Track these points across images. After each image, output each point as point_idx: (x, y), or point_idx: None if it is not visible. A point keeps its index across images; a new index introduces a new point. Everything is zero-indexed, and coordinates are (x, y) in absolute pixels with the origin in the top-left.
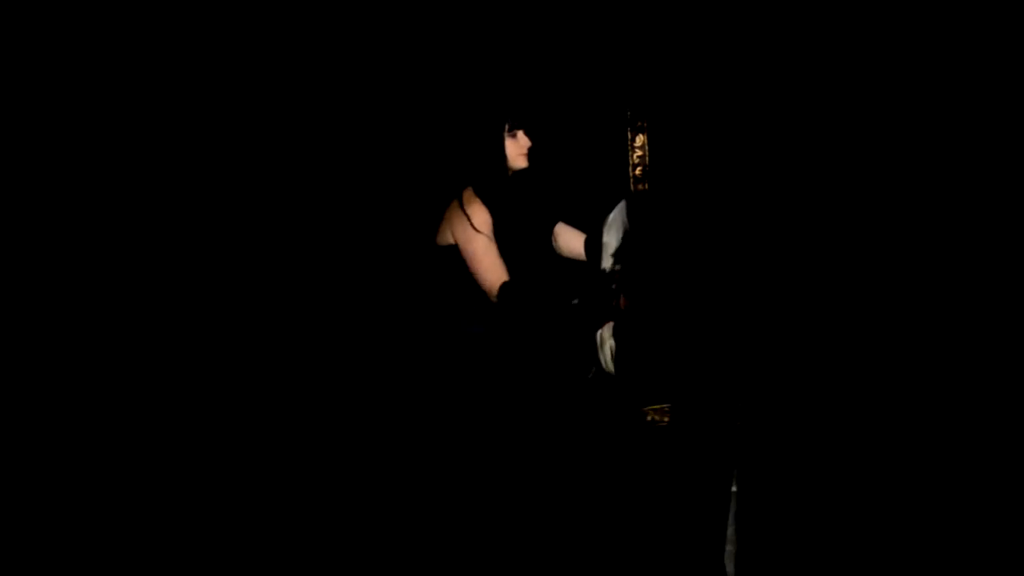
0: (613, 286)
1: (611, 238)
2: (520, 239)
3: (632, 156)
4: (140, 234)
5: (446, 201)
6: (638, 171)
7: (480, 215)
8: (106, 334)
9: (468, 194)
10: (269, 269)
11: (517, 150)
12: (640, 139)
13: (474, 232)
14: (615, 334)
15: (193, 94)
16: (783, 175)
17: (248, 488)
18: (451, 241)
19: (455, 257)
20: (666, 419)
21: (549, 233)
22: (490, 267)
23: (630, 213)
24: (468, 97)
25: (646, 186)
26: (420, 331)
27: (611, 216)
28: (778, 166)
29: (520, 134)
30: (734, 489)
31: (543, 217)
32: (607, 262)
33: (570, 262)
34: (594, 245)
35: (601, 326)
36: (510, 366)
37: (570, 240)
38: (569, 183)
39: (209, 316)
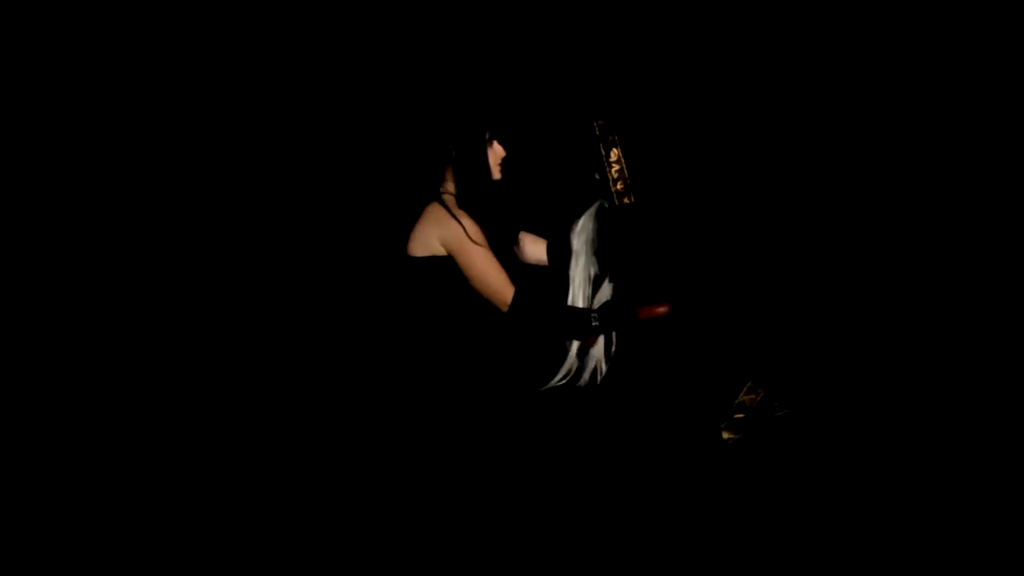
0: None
1: (580, 244)
2: (497, 249)
3: (611, 172)
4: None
5: (417, 210)
6: (620, 185)
7: (473, 225)
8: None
9: (451, 203)
10: (243, 271)
11: (493, 160)
12: (615, 153)
13: (473, 244)
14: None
15: (151, 94)
16: (763, 178)
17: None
18: (434, 252)
19: (435, 267)
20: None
21: (513, 242)
22: (498, 278)
23: (603, 222)
24: (450, 107)
25: (632, 199)
26: (406, 339)
27: (579, 222)
28: (757, 169)
29: (496, 144)
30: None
31: (509, 226)
32: (577, 269)
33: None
34: (558, 250)
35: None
36: (506, 370)
37: (532, 247)
38: (530, 190)
39: (187, 320)
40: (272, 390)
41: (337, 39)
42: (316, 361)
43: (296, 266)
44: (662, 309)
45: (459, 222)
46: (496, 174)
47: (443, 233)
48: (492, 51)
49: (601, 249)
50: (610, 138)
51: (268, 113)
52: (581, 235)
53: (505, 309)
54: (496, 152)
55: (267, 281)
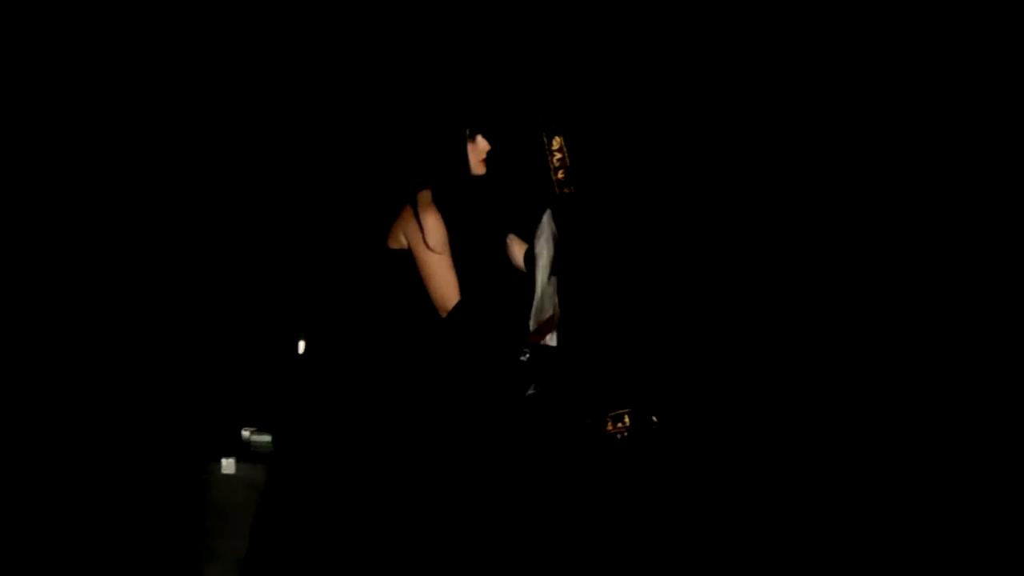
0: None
1: (542, 247)
2: (474, 249)
3: (552, 160)
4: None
5: (400, 203)
6: (560, 174)
7: (435, 227)
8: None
9: (424, 199)
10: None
11: (476, 156)
12: (557, 141)
13: (427, 248)
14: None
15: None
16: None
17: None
18: (402, 246)
19: (407, 261)
20: (625, 425)
21: (503, 243)
22: (444, 283)
23: (556, 219)
24: (431, 100)
25: (571, 189)
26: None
27: (541, 225)
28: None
29: (479, 139)
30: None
31: (497, 227)
32: (541, 273)
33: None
34: (529, 256)
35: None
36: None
37: (516, 253)
38: (522, 192)
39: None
40: (248, 379)
41: (325, 33)
42: (292, 350)
43: (284, 253)
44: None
45: (420, 223)
46: (480, 169)
47: (405, 228)
48: (473, 45)
49: (559, 247)
50: (552, 126)
51: (255, 108)
52: (540, 236)
53: (443, 315)
54: (479, 147)
55: (254, 274)
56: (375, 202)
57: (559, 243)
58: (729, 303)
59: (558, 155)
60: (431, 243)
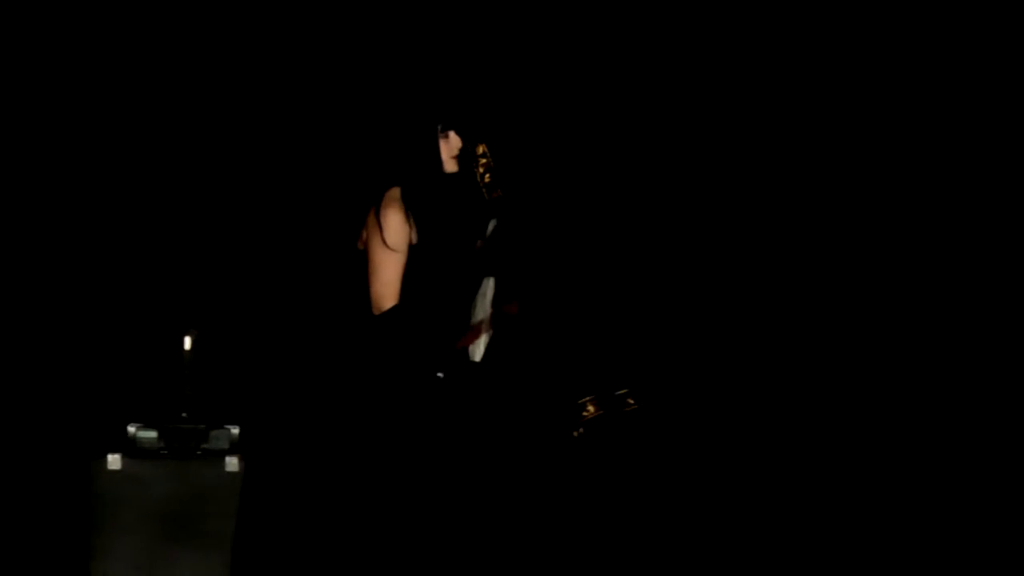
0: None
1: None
2: (441, 250)
3: (478, 167)
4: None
5: (371, 203)
6: (487, 178)
7: (395, 224)
8: None
9: (389, 198)
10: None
11: (448, 152)
12: (480, 148)
13: (383, 244)
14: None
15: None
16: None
17: None
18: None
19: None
20: (591, 413)
21: (472, 245)
22: (385, 282)
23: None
24: (401, 97)
25: (499, 192)
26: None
27: (487, 235)
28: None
29: (452, 135)
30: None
31: (468, 230)
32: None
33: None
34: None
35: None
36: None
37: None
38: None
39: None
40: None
41: (297, 31)
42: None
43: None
44: (474, 332)
45: (379, 222)
46: (452, 167)
47: (367, 227)
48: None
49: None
50: (474, 133)
51: (222, 103)
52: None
53: (374, 312)
54: (452, 144)
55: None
56: (345, 202)
57: (492, 245)
58: (673, 291)
59: (483, 161)
60: (388, 240)
